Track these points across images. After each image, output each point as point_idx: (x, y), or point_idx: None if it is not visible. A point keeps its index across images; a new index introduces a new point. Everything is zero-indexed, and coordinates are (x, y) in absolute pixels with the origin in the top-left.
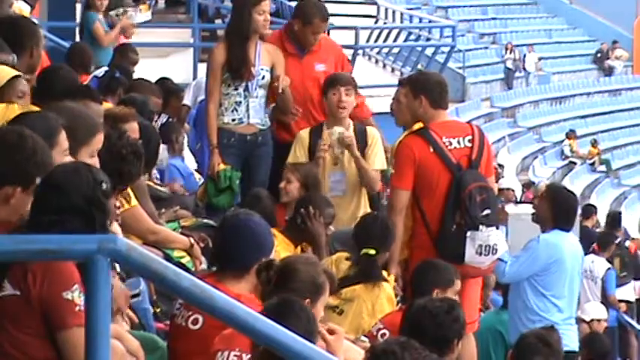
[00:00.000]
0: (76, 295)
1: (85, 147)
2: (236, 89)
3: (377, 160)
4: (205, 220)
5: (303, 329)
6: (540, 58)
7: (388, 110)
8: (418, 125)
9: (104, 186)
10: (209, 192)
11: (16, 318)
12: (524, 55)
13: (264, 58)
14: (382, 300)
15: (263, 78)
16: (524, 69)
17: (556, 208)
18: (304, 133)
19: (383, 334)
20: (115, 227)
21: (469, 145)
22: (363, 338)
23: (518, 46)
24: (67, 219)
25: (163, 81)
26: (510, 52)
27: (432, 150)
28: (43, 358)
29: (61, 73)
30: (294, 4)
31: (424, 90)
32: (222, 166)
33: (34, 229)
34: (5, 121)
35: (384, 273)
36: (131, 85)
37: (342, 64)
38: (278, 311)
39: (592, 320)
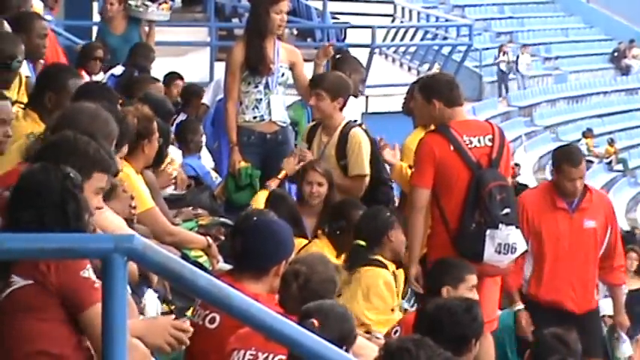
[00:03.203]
0: (91, 273)
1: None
2: (256, 87)
3: (355, 166)
4: (222, 220)
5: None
6: (557, 57)
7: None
8: None
9: (73, 177)
10: (229, 189)
11: (32, 307)
12: (517, 57)
13: (282, 55)
14: (380, 284)
15: (283, 75)
16: (518, 71)
17: None
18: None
19: (396, 332)
20: (95, 220)
21: (489, 144)
22: (379, 335)
23: (535, 45)
24: (45, 213)
25: (175, 77)
26: (504, 55)
27: (452, 148)
28: (61, 344)
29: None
30: (311, 3)
31: (434, 93)
32: (243, 164)
33: (14, 226)
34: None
35: (388, 263)
36: (134, 82)
37: (612, 220)
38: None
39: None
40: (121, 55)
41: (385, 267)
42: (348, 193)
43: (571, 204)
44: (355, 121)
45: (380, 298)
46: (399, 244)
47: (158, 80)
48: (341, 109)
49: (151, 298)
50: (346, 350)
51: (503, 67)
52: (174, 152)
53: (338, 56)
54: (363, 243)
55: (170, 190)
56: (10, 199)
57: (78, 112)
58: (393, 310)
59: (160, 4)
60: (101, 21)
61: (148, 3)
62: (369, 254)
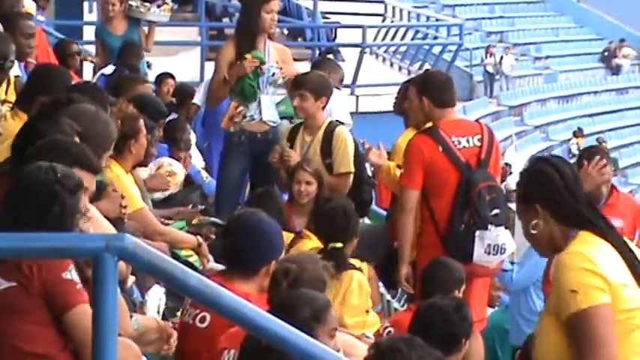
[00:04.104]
0: (73, 274)
1: (106, 153)
2: None
3: (342, 164)
4: (213, 219)
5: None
6: (547, 57)
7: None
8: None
9: (67, 181)
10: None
11: (16, 309)
12: (502, 58)
13: (273, 55)
14: (353, 287)
15: (273, 75)
16: (502, 72)
17: None
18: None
19: (389, 332)
20: (86, 226)
21: (478, 144)
22: (369, 334)
23: (525, 44)
24: (23, 212)
25: (167, 76)
26: (491, 56)
27: (440, 149)
28: (47, 346)
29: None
30: (301, 2)
31: (425, 91)
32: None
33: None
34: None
35: (357, 262)
36: (122, 82)
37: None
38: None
39: None
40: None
41: (357, 268)
42: (335, 190)
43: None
44: (337, 120)
45: (355, 300)
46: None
47: (147, 81)
48: (323, 109)
49: (154, 294)
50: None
51: (489, 68)
52: (177, 166)
53: (329, 55)
54: (339, 245)
55: (159, 195)
56: (5, 195)
57: (79, 113)
58: (367, 311)
59: (159, 5)
60: (100, 21)
61: (147, 4)
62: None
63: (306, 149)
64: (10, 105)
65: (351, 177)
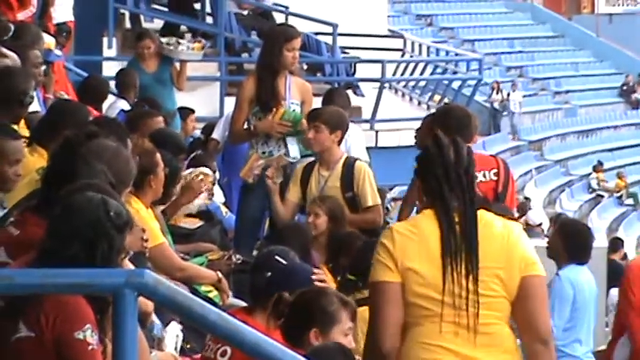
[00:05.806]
0: (88, 335)
1: (126, 189)
2: None
3: (369, 197)
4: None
5: None
6: (567, 91)
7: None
8: None
9: (117, 219)
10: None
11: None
12: (508, 94)
13: (294, 91)
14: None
15: (294, 111)
16: (508, 108)
17: (569, 242)
18: (300, 169)
19: None
20: (127, 262)
21: (495, 178)
22: None
23: (545, 79)
24: (68, 245)
25: (190, 111)
26: (497, 93)
27: None
28: None
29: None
30: (321, 37)
31: (442, 125)
32: (280, 111)
33: (42, 256)
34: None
35: None
36: (134, 117)
37: None
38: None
39: None
40: (151, 93)
41: None
42: (370, 224)
43: None
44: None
45: None
46: None
47: (158, 114)
48: (338, 144)
49: (172, 331)
50: None
51: (496, 105)
52: (204, 169)
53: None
54: (352, 277)
55: (201, 200)
56: (49, 219)
57: (101, 149)
58: None
59: (188, 47)
60: (133, 58)
61: (182, 41)
62: (358, 292)
63: (324, 184)
64: (25, 141)
65: (381, 209)
